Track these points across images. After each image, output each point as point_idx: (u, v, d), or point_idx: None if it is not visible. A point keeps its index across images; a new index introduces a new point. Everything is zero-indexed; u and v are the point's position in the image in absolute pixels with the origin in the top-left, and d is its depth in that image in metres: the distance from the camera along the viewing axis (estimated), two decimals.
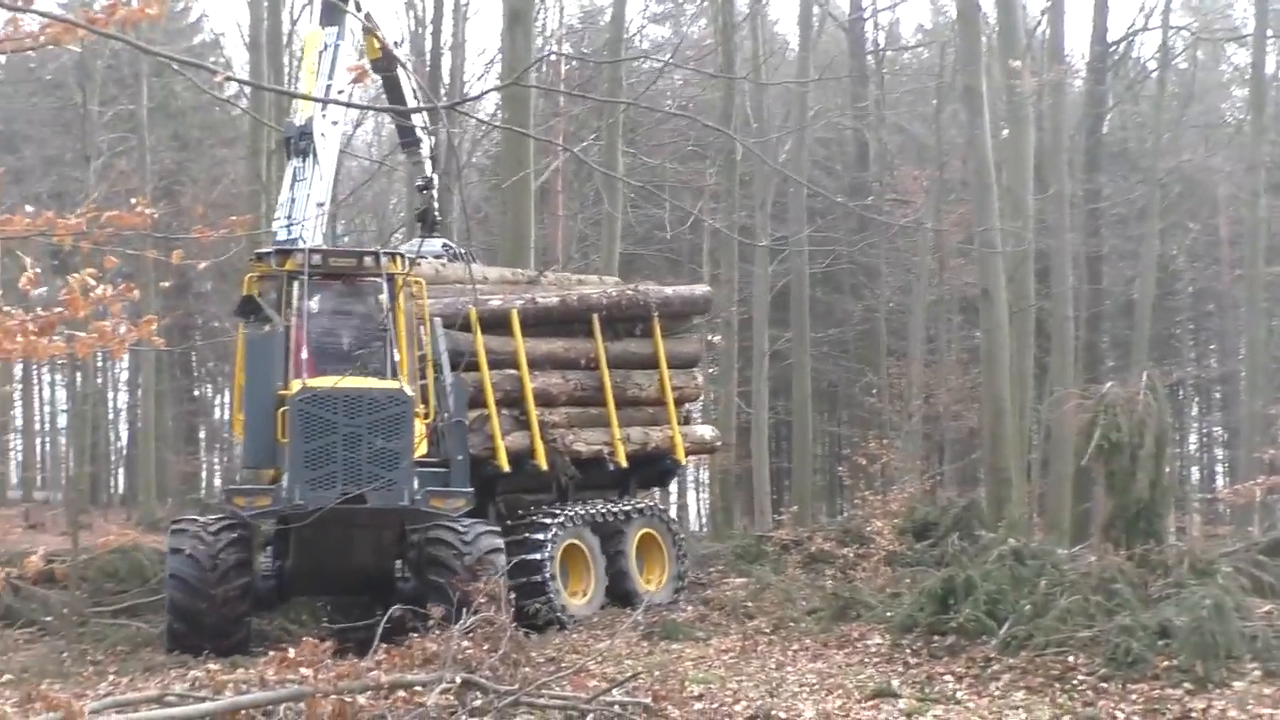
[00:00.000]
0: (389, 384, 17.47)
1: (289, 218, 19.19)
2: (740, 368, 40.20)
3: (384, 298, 18.33)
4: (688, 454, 23.81)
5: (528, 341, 21.29)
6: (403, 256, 18.92)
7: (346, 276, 18.54)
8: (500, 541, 18.36)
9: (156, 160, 42.30)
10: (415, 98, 21.61)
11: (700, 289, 25.64)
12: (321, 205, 19.47)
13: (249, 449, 17.74)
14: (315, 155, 19.35)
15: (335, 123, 20.22)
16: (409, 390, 17.60)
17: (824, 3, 42.19)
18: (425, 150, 21.89)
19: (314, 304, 18.15)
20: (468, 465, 18.38)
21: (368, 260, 18.54)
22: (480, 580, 15.66)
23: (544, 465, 20.96)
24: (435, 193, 21.75)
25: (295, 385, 17.06)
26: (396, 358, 18.11)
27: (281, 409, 16.97)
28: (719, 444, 26.32)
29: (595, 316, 22.48)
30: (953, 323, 43.79)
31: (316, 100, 19.22)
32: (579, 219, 42.00)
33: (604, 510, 21.61)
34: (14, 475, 55.97)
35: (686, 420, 23.90)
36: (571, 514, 20.79)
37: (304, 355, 17.59)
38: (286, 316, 17.89)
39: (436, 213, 21.04)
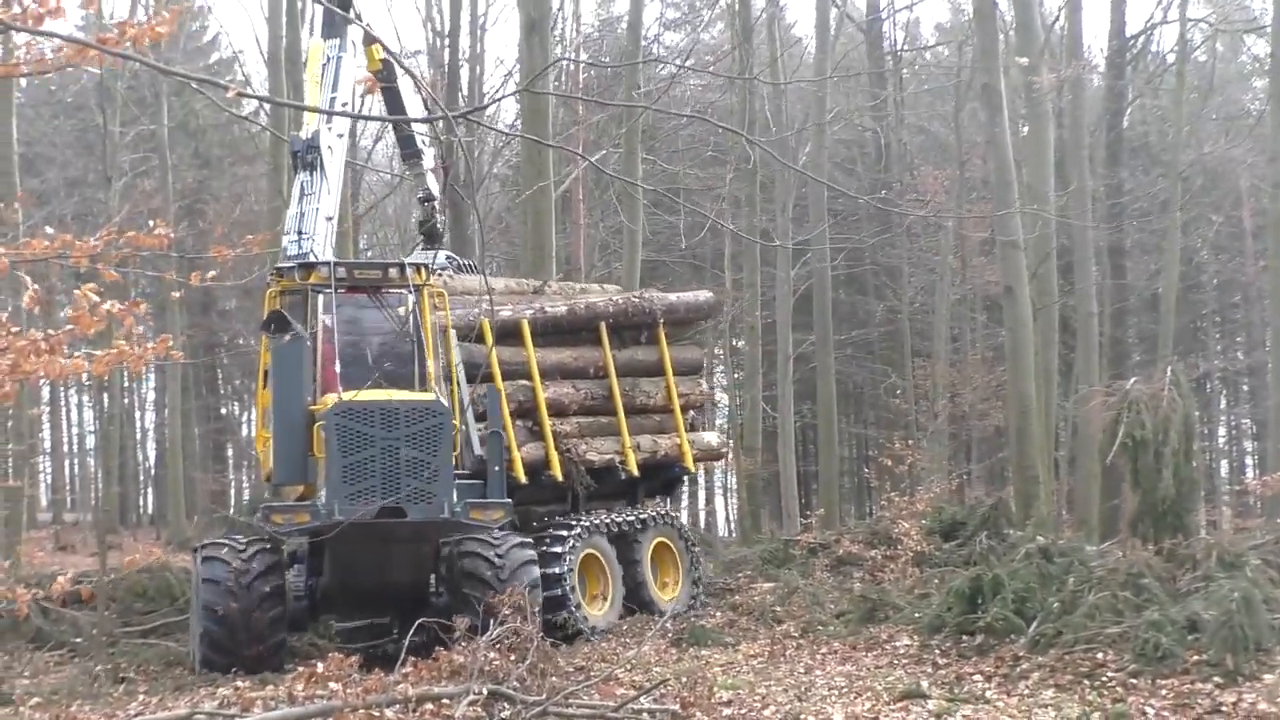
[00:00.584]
0: (425, 395, 17.36)
1: (299, 231, 19.09)
2: (765, 371, 40.21)
3: (410, 309, 18.32)
4: (696, 461, 23.73)
5: (537, 351, 21.29)
6: (426, 267, 18.84)
7: (371, 289, 18.48)
8: (533, 553, 18.29)
9: (178, 179, 42.49)
10: (426, 108, 21.61)
11: (704, 294, 25.60)
12: (330, 219, 19.38)
13: (279, 465, 17.39)
14: (322, 169, 19.26)
15: (341, 135, 20.13)
16: (445, 401, 17.50)
17: (842, 4, 42.14)
18: (427, 163, 21.86)
19: (341, 317, 18.09)
20: (504, 476, 18.23)
21: (392, 272, 18.49)
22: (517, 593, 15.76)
23: (560, 476, 20.94)
24: (438, 204, 21.68)
25: (329, 399, 16.89)
26: (425, 369, 18.12)
27: (316, 424, 16.80)
28: (725, 450, 26.32)
29: (602, 324, 22.46)
30: (976, 321, 43.72)
31: (334, 114, 19.22)
32: (600, 227, 42.02)
33: (620, 519, 21.55)
34: (44, 498, 56.17)
35: (693, 427, 23.85)
36: (588, 524, 20.70)
37: (336, 369, 17.52)
38: (311, 330, 17.83)
39: (440, 225, 20.98)
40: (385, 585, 17.74)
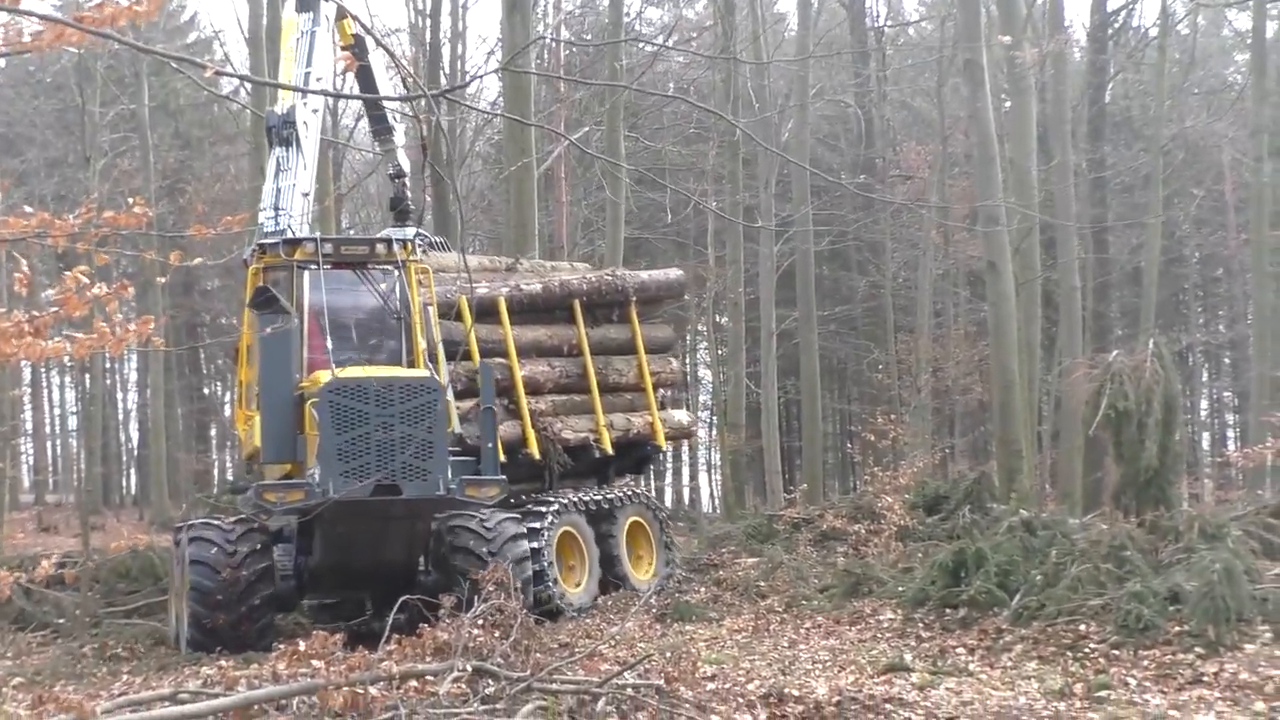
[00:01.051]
0: (419, 372, 17.27)
1: (275, 207, 18.90)
2: (748, 348, 40.23)
3: (397, 285, 18.24)
4: (667, 439, 23.72)
5: (513, 329, 21.27)
6: (412, 243, 18.75)
7: (358, 265, 18.37)
8: (523, 528, 18.26)
9: (159, 159, 42.33)
10: (405, 86, 21.49)
11: (674, 273, 25.63)
12: (307, 195, 19.27)
13: (267, 443, 17.12)
14: (298, 144, 19.11)
15: (316, 110, 19.95)
16: (440, 378, 17.44)
17: None
18: (398, 139, 21.72)
19: (326, 294, 17.91)
20: (498, 453, 18.14)
21: (379, 248, 18.39)
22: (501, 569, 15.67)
23: (537, 454, 20.97)
24: (408, 181, 21.51)
25: (320, 376, 16.77)
26: (413, 345, 18.09)
27: (306, 401, 16.68)
28: (695, 429, 26.36)
29: (576, 302, 22.45)
30: (959, 296, 43.76)
31: (312, 92, 19.11)
32: (583, 205, 42.00)
33: (597, 498, 21.53)
34: (26, 479, 56.08)
35: (663, 405, 23.87)
36: (566, 502, 20.65)
37: (328, 346, 17.35)
38: (297, 306, 17.69)
39: (410, 201, 20.82)
40: (378, 564, 17.49)
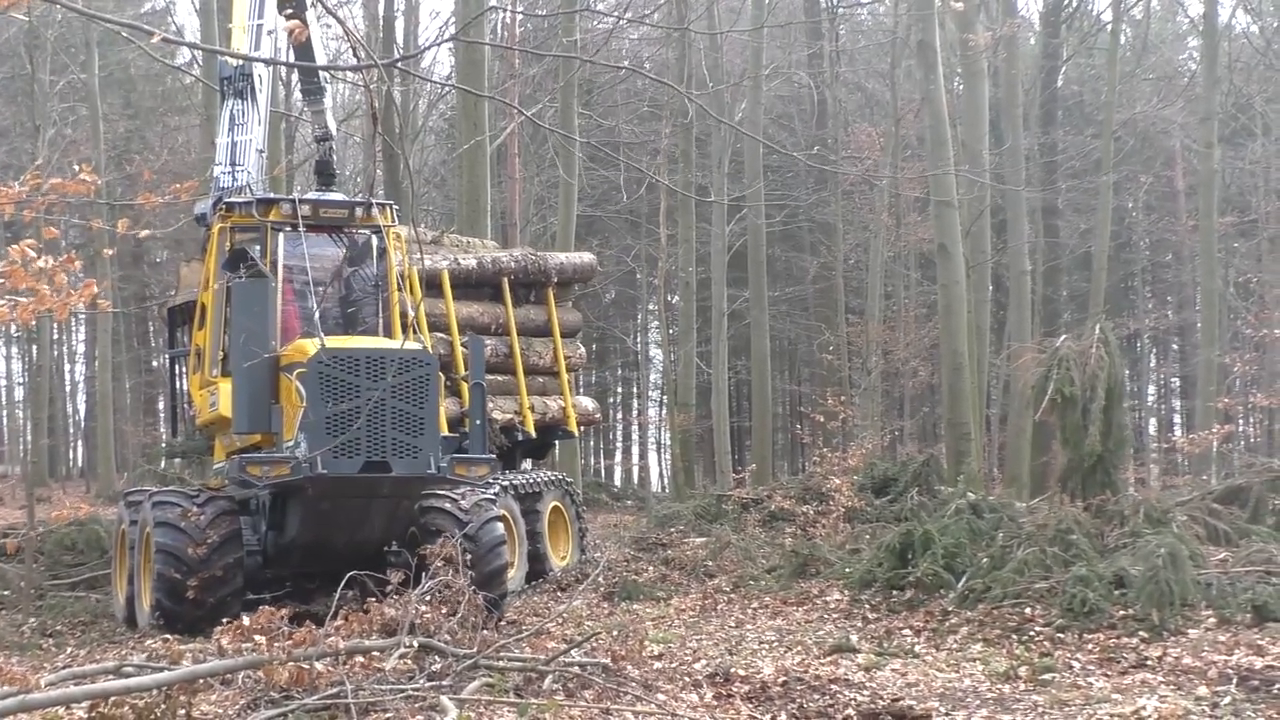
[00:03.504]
0: (412, 345, 16.45)
1: (231, 163, 18.15)
2: (699, 327, 40.25)
3: (374, 251, 17.69)
4: (576, 425, 23.62)
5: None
6: (391, 208, 18.03)
7: (337, 228, 17.63)
8: (499, 510, 17.53)
9: (109, 129, 41.97)
10: (355, 55, 20.95)
11: (587, 257, 25.59)
12: (261, 152, 18.53)
13: (239, 413, 16.06)
14: (253, 96, 18.39)
15: (269, 65, 19.14)
16: (433, 351, 16.86)
17: None
18: (327, 101, 20.84)
19: (299, 257, 17.18)
20: (486, 430, 17.55)
21: (359, 211, 17.57)
22: (481, 550, 15.47)
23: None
24: (334, 145, 20.52)
25: (308, 345, 15.95)
26: (390, 315, 17.58)
27: (296, 372, 15.67)
28: (598, 417, 26.21)
29: (505, 281, 22.32)
30: (910, 278, 43.87)
31: (260, 61, 18.49)
32: (536, 181, 41.91)
33: (526, 480, 21.27)
34: None
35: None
36: (504, 485, 20.15)
37: (315, 313, 16.70)
38: (272, 270, 16.88)
39: (334, 166, 19.88)
40: (354, 542, 16.52)
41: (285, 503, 16.48)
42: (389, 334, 17.38)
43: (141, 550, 16.87)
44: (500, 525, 17.10)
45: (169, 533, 16.03)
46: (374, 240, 17.73)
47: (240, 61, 18.56)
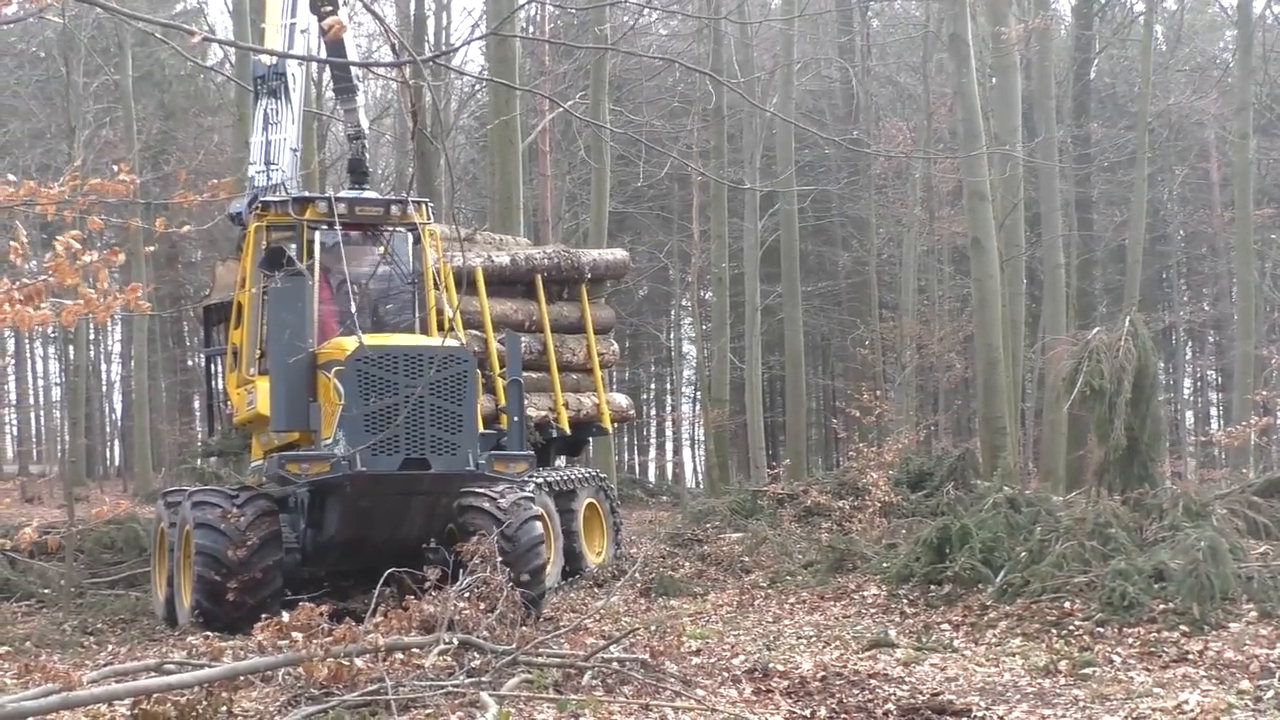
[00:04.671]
0: (450, 342, 16.40)
1: (266, 161, 18.10)
2: (732, 323, 40.23)
3: (410, 248, 17.59)
4: (611, 422, 23.55)
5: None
6: (427, 205, 17.97)
7: (373, 226, 17.58)
8: (538, 509, 17.37)
9: (143, 130, 42.13)
10: (393, 52, 20.82)
11: (620, 253, 25.47)
12: (295, 151, 18.52)
13: (277, 411, 16.11)
14: (287, 95, 18.38)
15: (300, 63, 19.13)
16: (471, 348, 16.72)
17: None
18: (359, 99, 20.69)
19: (336, 256, 17.15)
20: (524, 427, 17.50)
21: (395, 209, 17.49)
22: (520, 549, 15.48)
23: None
24: (366, 143, 20.37)
25: (344, 343, 15.91)
26: (426, 313, 17.49)
27: (335, 370, 15.65)
28: (632, 413, 26.12)
29: (538, 278, 22.27)
30: (944, 273, 43.76)
31: (295, 59, 18.51)
32: (567, 179, 41.94)
33: (561, 477, 21.26)
34: (10, 449, 56.00)
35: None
36: (540, 481, 20.11)
37: (352, 311, 16.54)
38: (308, 268, 16.78)
39: (367, 164, 19.73)
40: (393, 539, 16.41)
41: (324, 500, 16.38)
42: (425, 332, 17.33)
43: (181, 550, 16.79)
44: (539, 524, 17.01)
45: (208, 534, 15.96)
46: (410, 238, 17.65)
47: (270, 61, 18.47)
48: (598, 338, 23.24)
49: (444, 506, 16.43)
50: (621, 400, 24.92)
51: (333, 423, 15.69)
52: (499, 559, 14.40)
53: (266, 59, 18.60)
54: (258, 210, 17.41)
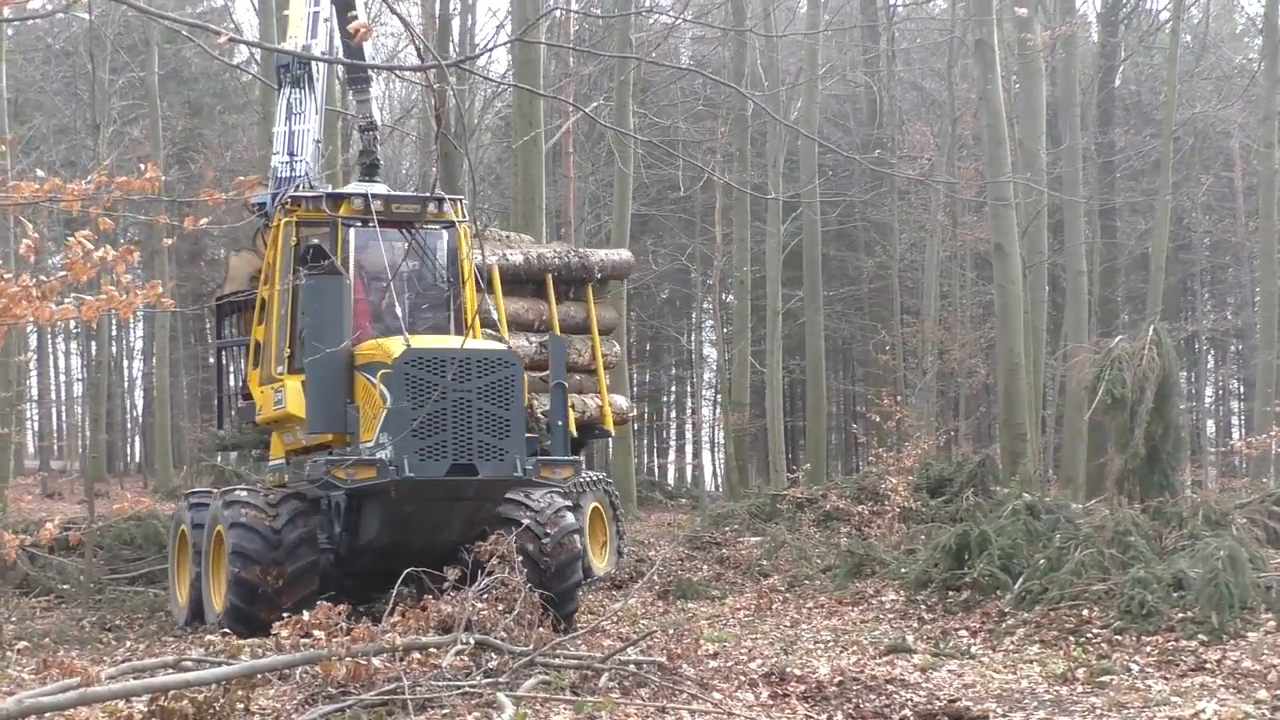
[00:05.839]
0: (497, 345, 16.32)
1: (290, 152, 17.75)
2: (753, 326, 40.21)
3: (446, 247, 17.40)
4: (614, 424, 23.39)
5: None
6: (461, 203, 17.71)
7: (408, 224, 17.27)
8: (573, 518, 16.77)
9: (168, 127, 42.26)
10: (419, 55, 20.56)
11: (625, 254, 25.30)
12: (318, 142, 18.27)
13: (313, 413, 15.83)
14: (311, 85, 18.10)
15: (324, 51, 18.65)
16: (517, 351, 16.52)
17: None
18: (373, 90, 20.32)
19: (372, 254, 16.90)
20: (568, 432, 17.24)
21: (431, 207, 17.26)
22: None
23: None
24: (378, 135, 20.06)
25: (391, 345, 15.67)
26: (463, 313, 17.23)
27: (380, 372, 15.36)
28: (632, 414, 25.91)
29: (549, 277, 22.13)
30: (966, 278, 43.67)
31: (321, 60, 18.38)
32: (590, 180, 41.97)
33: (572, 481, 21.13)
34: (31, 445, 56.09)
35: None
36: (552, 484, 19.94)
37: (399, 312, 16.42)
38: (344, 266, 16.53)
39: (379, 156, 19.42)
40: (433, 544, 15.90)
41: (361, 504, 16.05)
42: (459, 332, 17.07)
43: (211, 552, 16.52)
44: (579, 537, 16.71)
45: (245, 535, 15.60)
46: (445, 236, 17.48)
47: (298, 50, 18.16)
48: (602, 339, 23.11)
49: (486, 511, 16.10)
50: (622, 402, 24.78)
51: (374, 426, 15.44)
52: (537, 564, 14.43)
53: (290, 47, 18.36)
54: (287, 204, 17.11)
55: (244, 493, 16.38)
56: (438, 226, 17.44)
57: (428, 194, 18.37)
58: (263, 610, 15.05)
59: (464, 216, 17.61)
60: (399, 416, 15.17)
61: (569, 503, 17.05)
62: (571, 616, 15.72)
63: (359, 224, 16.85)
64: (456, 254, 17.44)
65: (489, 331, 18.20)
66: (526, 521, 15.70)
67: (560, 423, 16.97)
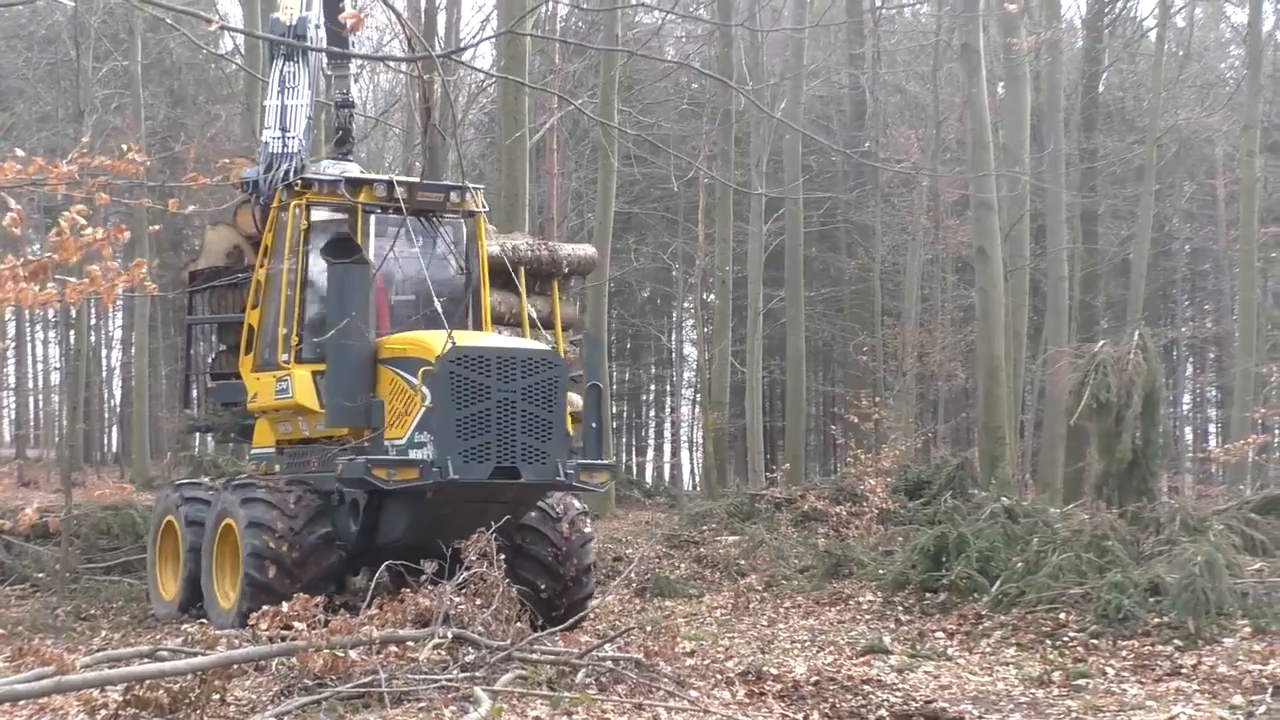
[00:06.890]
0: (541, 345, 16.00)
1: (282, 127, 16.96)
2: (734, 326, 40.21)
3: (465, 238, 17.07)
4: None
5: None
6: (481, 193, 17.32)
7: (429, 213, 16.82)
8: (590, 532, 16.64)
9: (151, 116, 42.12)
10: (410, 46, 20.24)
11: (590, 249, 24.87)
12: (310, 119, 17.54)
13: (333, 407, 15.19)
14: (304, 59, 17.40)
15: (318, 26, 17.91)
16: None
17: None
18: (351, 67, 19.73)
19: (407, 244, 16.47)
20: (604, 434, 16.80)
21: (454, 196, 16.81)
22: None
23: None
24: (353, 113, 19.38)
25: (430, 341, 15.15)
26: (480, 307, 17.03)
27: (423, 370, 14.81)
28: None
29: (522, 270, 21.88)
30: (947, 282, 43.73)
31: (312, 49, 18.01)
32: (574, 177, 41.92)
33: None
34: (7, 433, 55.97)
35: None
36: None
37: (436, 308, 15.98)
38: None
39: (353, 135, 18.85)
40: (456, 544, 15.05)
41: (385, 503, 15.52)
42: (479, 327, 16.86)
43: (214, 548, 16.09)
44: (593, 546, 16.58)
45: (259, 533, 15.16)
46: (465, 226, 17.13)
47: (290, 23, 17.64)
48: (563, 334, 22.87)
49: (518, 515, 15.74)
50: (576, 399, 24.59)
51: (404, 423, 15.01)
52: (553, 572, 14.62)
53: (284, 18, 17.80)
54: (296, 186, 16.47)
55: (259, 488, 15.81)
56: (458, 216, 17.05)
57: (451, 183, 17.95)
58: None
59: (484, 206, 17.22)
60: (440, 415, 14.73)
61: (584, 507, 16.80)
62: (578, 625, 15.42)
63: (379, 210, 16.39)
64: (475, 245, 17.10)
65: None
66: (546, 531, 15.67)
67: (595, 425, 16.46)
